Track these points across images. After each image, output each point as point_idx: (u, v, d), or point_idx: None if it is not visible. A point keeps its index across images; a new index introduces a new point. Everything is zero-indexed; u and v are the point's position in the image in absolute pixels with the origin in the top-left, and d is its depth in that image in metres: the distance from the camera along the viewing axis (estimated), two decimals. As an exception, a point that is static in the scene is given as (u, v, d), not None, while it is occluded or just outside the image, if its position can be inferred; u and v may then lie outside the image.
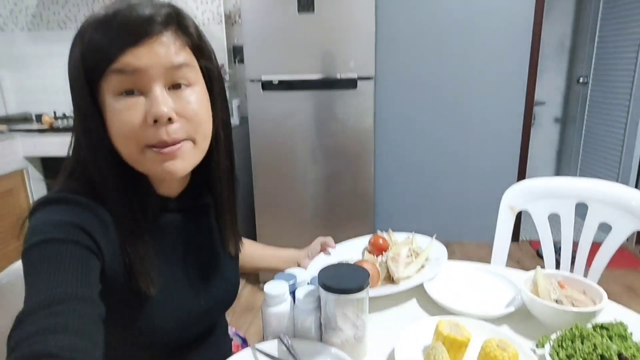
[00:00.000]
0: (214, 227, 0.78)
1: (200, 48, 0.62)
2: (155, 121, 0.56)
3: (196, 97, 0.61)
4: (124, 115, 0.56)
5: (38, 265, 0.51)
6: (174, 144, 0.58)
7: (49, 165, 2.50)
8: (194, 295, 0.72)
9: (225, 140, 0.71)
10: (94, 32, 0.56)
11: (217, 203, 0.74)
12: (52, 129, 2.45)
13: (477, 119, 2.91)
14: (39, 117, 2.62)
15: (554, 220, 1.27)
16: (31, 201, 2.40)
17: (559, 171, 4.02)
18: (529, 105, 2.86)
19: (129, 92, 0.57)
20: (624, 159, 2.91)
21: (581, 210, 1.24)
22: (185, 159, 0.61)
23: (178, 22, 0.59)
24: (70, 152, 0.64)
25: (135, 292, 0.62)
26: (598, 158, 3.18)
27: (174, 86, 0.59)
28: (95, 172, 0.60)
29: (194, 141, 0.61)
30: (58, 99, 2.90)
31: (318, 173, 2.35)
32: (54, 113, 2.74)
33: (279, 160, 2.36)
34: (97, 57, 0.55)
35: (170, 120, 0.57)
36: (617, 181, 2.88)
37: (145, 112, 0.56)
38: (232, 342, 0.93)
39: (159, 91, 0.57)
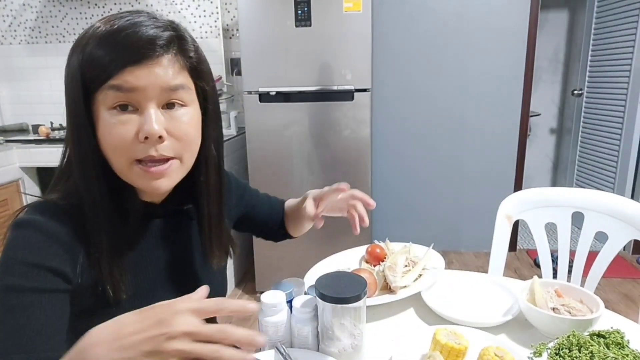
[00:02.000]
0: (196, 235, 0.78)
1: (198, 70, 0.64)
2: (146, 138, 0.58)
3: (189, 117, 0.63)
4: (117, 129, 0.58)
5: (7, 315, 0.54)
6: (161, 160, 0.61)
7: (44, 176, 2.49)
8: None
9: (215, 158, 0.72)
10: (96, 46, 0.57)
11: (203, 219, 0.74)
12: (49, 140, 2.45)
13: (474, 130, 2.93)
14: (35, 128, 2.62)
15: (551, 229, 1.28)
16: (27, 212, 2.39)
17: (554, 182, 4.04)
18: (524, 116, 2.88)
19: (124, 108, 0.58)
20: (619, 170, 2.93)
21: (578, 219, 1.25)
22: (172, 177, 0.64)
23: (179, 45, 0.61)
24: (61, 162, 0.66)
25: (108, 300, 0.62)
26: (594, 169, 3.20)
27: (168, 105, 0.61)
28: (81, 180, 0.61)
29: (180, 159, 0.64)
30: (55, 110, 2.90)
31: (315, 184, 2.35)
32: (51, 124, 2.75)
33: (276, 171, 2.36)
34: (96, 70, 0.57)
35: (160, 138, 0.59)
36: (613, 192, 2.90)
37: (138, 128, 0.58)
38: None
39: (153, 110, 0.59)
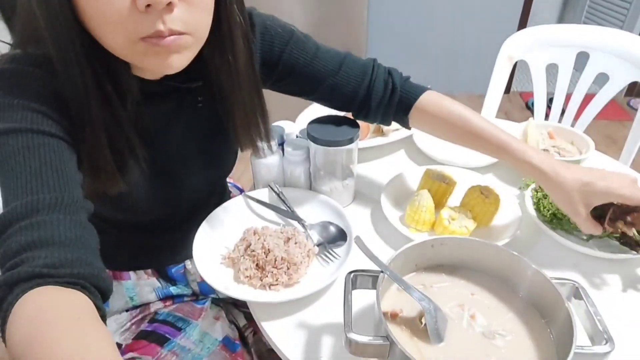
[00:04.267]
0: (206, 113, 0.66)
1: None
2: (149, 6, 0.42)
3: None
4: None
5: (10, 160, 0.44)
6: (171, 36, 0.46)
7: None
8: (174, 179, 0.68)
9: (242, 25, 0.56)
10: None
11: (230, 105, 0.62)
12: None
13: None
14: None
15: (549, 72, 1.23)
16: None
17: (562, 17, 3.79)
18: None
19: None
20: (633, 5, 2.73)
21: (580, 62, 1.19)
22: (184, 54, 0.49)
23: None
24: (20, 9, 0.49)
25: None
26: (604, 3, 2.97)
27: None
28: (59, 62, 0.46)
29: (193, 35, 0.48)
30: None
31: (307, 18, 2.18)
32: None
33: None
34: None
35: (170, 5, 0.43)
36: (621, 29, 2.74)
37: None
38: (231, 195, 0.95)
39: None
